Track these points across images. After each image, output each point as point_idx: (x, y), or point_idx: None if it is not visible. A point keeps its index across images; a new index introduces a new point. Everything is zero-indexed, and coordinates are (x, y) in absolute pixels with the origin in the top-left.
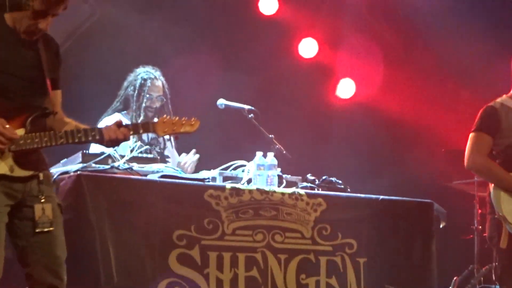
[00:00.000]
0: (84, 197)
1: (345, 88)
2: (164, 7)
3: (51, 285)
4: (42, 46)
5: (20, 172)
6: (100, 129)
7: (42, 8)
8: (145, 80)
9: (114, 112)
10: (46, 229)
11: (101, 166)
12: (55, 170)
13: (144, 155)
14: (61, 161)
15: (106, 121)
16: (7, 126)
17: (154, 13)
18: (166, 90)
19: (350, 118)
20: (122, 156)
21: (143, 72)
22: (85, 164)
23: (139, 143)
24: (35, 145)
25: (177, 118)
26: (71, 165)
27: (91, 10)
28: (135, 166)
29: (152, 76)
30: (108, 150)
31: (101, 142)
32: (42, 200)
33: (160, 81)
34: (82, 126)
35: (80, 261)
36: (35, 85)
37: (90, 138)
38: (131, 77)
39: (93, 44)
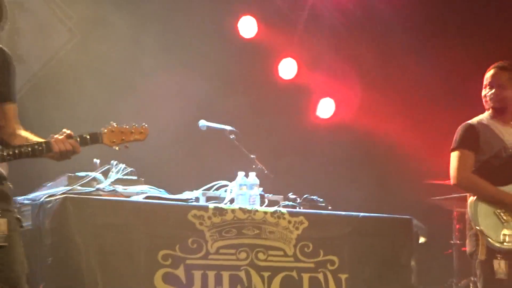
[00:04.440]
0: (69, 219)
1: (325, 108)
2: (141, 20)
3: None
4: None
5: None
6: (48, 142)
7: None
8: None
9: None
10: (0, 244)
11: (87, 189)
12: (42, 193)
13: (129, 176)
14: (47, 184)
15: None
16: None
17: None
18: None
19: (330, 137)
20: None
21: None
22: (70, 187)
23: (123, 165)
24: None
25: (126, 126)
26: (56, 188)
27: (70, 34)
28: (120, 188)
29: None
30: (93, 173)
31: (50, 156)
32: None
33: None
34: (34, 140)
35: (67, 283)
36: None
37: (37, 153)
38: None
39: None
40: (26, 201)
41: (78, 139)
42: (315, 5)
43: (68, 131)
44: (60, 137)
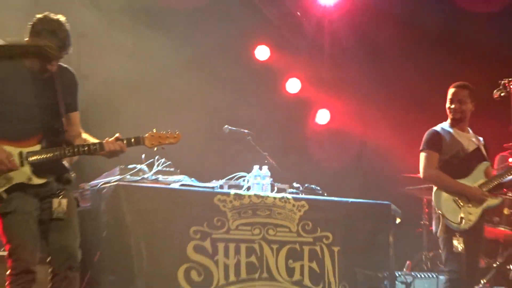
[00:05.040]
0: (120, 202)
1: (322, 117)
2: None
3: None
4: (58, 77)
5: (36, 181)
6: (101, 143)
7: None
8: None
9: None
10: (61, 217)
11: (135, 178)
12: (99, 181)
13: (168, 168)
14: (104, 174)
15: None
16: (12, 159)
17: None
18: None
19: (326, 139)
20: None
21: None
22: (121, 176)
23: (163, 159)
24: (47, 156)
25: (163, 132)
26: (111, 177)
27: (120, 57)
28: (161, 177)
29: None
30: (140, 165)
31: (103, 154)
32: (60, 196)
33: None
34: (91, 141)
35: (117, 254)
36: (49, 111)
37: (92, 151)
38: None
39: None
40: (87, 187)
41: (125, 141)
42: (316, 36)
43: (118, 134)
44: (111, 139)
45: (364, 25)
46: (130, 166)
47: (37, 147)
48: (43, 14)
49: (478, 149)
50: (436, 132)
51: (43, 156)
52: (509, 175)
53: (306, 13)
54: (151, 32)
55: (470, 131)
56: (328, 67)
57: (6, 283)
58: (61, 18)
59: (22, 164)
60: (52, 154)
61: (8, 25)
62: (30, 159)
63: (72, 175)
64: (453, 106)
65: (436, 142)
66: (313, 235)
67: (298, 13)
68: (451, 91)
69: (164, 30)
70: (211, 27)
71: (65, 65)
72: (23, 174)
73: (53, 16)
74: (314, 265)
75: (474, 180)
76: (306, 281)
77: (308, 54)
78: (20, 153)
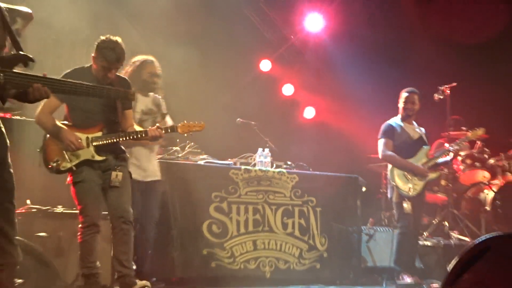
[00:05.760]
0: (161, 174)
1: (309, 112)
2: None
3: (121, 217)
4: (117, 83)
5: (98, 158)
6: (146, 130)
7: (105, 65)
8: None
9: None
10: (117, 186)
11: (172, 157)
12: None
13: (195, 150)
14: None
15: None
16: (79, 140)
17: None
18: None
19: (312, 130)
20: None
21: None
22: (161, 155)
23: (192, 143)
24: (107, 141)
25: (191, 122)
26: None
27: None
28: (190, 156)
29: None
30: (175, 147)
31: (147, 138)
32: (117, 170)
33: None
34: (138, 129)
35: (161, 212)
36: (108, 107)
37: (139, 136)
38: None
39: None
40: None
41: (163, 129)
42: (304, 53)
43: (158, 124)
44: (153, 127)
45: (339, 46)
46: (168, 148)
47: (99, 133)
48: (105, 36)
49: (421, 137)
50: (390, 124)
51: (104, 139)
52: (443, 157)
53: (298, 37)
54: (181, 48)
55: (415, 123)
56: (314, 76)
57: (78, 233)
58: (119, 39)
59: (88, 146)
60: (110, 139)
61: (80, 51)
62: (94, 142)
63: (127, 155)
64: (408, 106)
65: (390, 132)
66: (301, 199)
67: (292, 37)
68: (404, 94)
69: (192, 47)
70: (228, 45)
71: (123, 76)
72: (88, 153)
73: (113, 37)
74: (302, 221)
75: (418, 160)
76: (296, 233)
77: (299, 67)
78: (87, 138)
